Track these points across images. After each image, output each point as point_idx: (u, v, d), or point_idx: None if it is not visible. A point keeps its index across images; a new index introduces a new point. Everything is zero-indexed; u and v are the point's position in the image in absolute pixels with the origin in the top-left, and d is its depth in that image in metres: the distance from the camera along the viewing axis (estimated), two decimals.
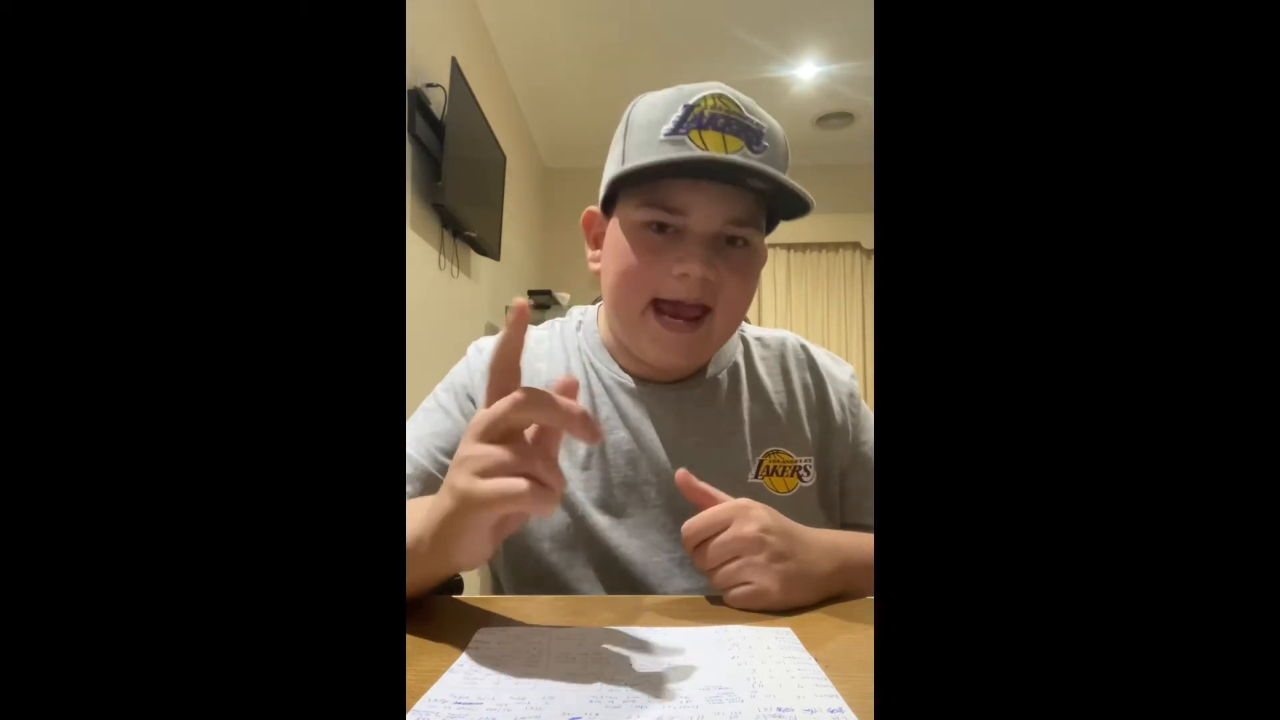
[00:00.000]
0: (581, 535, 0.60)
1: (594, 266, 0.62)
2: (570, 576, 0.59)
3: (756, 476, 0.62)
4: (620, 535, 0.59)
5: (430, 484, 0.58)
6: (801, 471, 0.63)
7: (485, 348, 0.66)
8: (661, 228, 0.55)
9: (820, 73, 2.95)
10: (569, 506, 0.60)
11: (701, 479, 0.53)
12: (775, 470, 0.63)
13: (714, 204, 0.54)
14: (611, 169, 0.57)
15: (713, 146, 0.52)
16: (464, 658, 0.40)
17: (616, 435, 0.62)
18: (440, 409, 0.63)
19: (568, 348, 0.66)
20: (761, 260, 0.59)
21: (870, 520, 0.65)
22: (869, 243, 3.92)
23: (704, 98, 0.54)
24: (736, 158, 0.52)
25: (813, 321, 3.97)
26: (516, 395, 0.37)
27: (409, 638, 0.43)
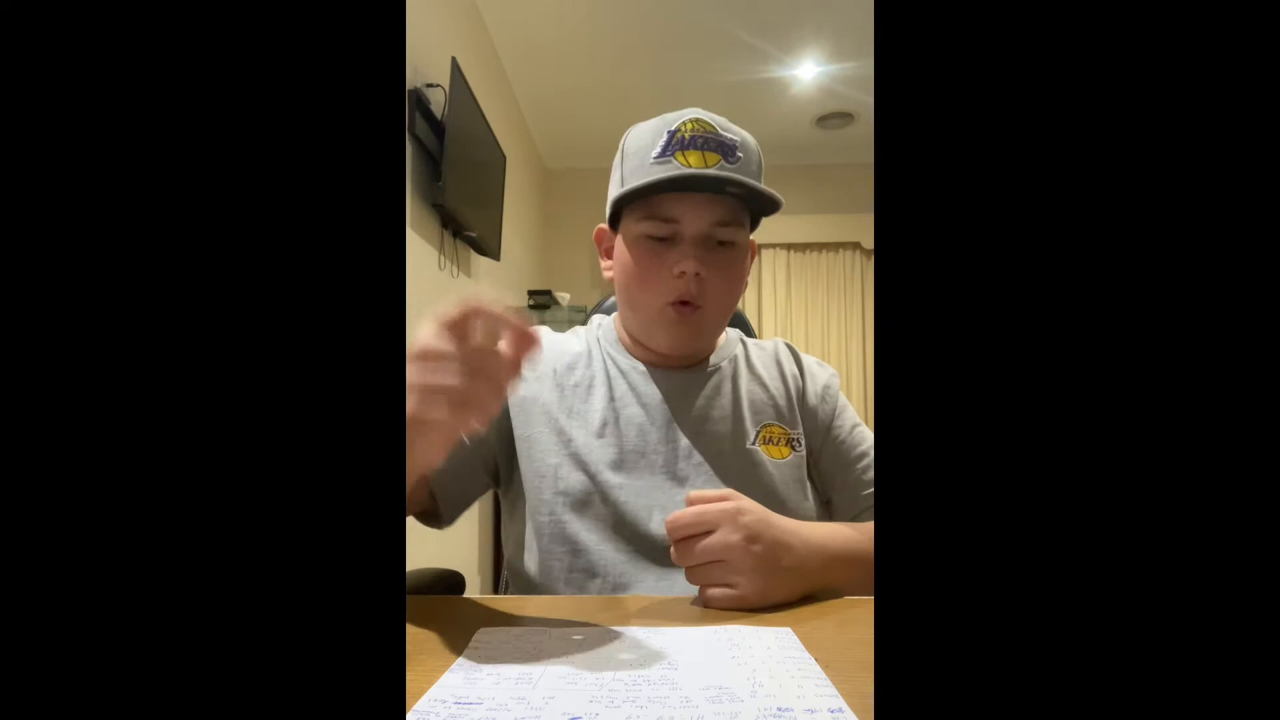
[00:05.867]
0: (594, 492, 0.68)
1: (607, 274, 0.74)
2: (580, 527, 0.66)
3: (754, 443, 0.72)
4: (628, 494, 0.68)
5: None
6: (794, 443, 0.73)
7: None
8: (660, 237, 0.67)
9: (820, 73, 2.95)
10: (584, 467, 0.68)
11: (708, 444, 0.69)
12: (771, 440, 0.72)
13: (700, 211, 0.66)
14: (614, 191, 0.70)
15: (694, 164, 0.64)
16: (464, 658, 0.40)
17: (629, 410, 0.71)
18: None
19: (589, 345, 0.77)
20: (748, 255, 0.72)
21: (836, 497, 0.75)
22: (869, 243, 3.91)
23: (684, 122, 0.66)
24: (715, 171, 0.64)
25: (813, 321, 3.97)
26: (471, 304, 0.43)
27: (409, 638, 0.43)
